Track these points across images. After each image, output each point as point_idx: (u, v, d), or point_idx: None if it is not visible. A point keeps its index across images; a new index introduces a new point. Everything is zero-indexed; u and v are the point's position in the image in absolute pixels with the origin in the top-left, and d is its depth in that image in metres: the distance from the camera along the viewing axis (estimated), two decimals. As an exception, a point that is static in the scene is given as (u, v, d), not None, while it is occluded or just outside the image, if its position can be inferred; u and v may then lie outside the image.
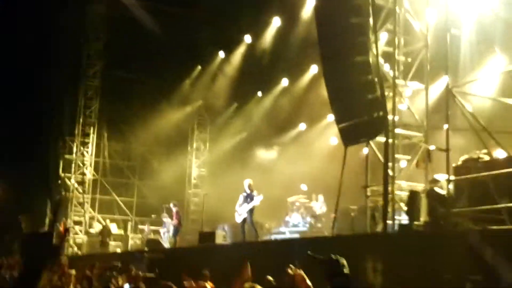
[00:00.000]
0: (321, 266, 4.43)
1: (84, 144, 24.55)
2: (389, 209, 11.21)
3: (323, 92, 16.20)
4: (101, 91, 24.90)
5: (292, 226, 16.48)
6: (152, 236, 20.86)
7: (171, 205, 19.30)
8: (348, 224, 13.14)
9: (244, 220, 14.83)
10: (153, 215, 22.43)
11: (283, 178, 18.46)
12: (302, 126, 21.94)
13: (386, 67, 13.07)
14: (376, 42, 12.68)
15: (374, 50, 12.56)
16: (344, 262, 4.37)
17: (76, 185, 24.04)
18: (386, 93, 12.39)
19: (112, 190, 24.98)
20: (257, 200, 14.70)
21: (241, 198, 15.08)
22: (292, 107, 21.87)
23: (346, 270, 4.36)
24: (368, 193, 12.59)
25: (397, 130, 12.57)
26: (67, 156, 24.30)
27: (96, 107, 24.77)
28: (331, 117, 18.70)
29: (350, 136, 13.07)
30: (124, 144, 25.72)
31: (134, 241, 22.30)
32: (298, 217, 16.63)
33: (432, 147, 12.08)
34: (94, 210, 24.40)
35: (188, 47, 24.28)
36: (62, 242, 2.08)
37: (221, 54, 24.45)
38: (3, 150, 25.28)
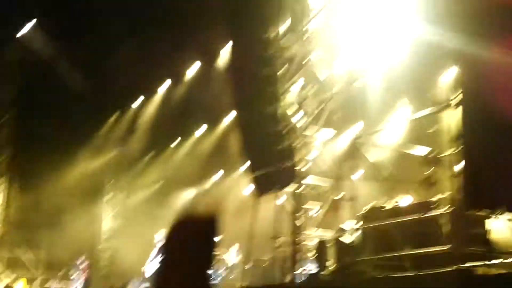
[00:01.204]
0: None
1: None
2: (297, 259, 11.13)
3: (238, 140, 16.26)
4: (13, 140, 23.90)
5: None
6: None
7: (80, 260, 18.50)
8: (259, 275, 12.93)
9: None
10: (61, 272, 21.38)
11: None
12: (218, 175, 21.80)
13: (299, 115, 13.19)
14: (285, 92, 12.85)
15: (283, 100, 12.70)
16: None
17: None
18: (298, 141, 12.50)
19: (20, 244, 23.70)
20: None
21: (153, 251, 14.68)
22: (209, 155, 21.74)
23: None
24: (278, 244, 12.48)
25: (307, 180, 12.61)
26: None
27: (6, 157, 23.70)
28: (244, 166, 18.72)
29: (262, 185, 13.07)
30: (35, 196, 24.60)
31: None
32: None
33: (339, 196, 12.17)
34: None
35: (105, 94, 23.81)
36: None
37: (138, 100, 24.12)
38: None
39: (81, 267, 18.42)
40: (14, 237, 23.66)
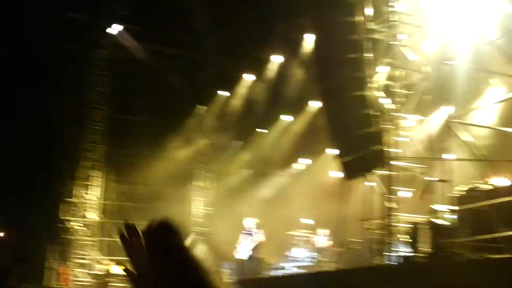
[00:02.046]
0: None
1: (88, 187, 24.58)
2: (390, 242, 11.12)
3: (324, 127, 16.36)
4: (106, 135, 25.05)
5: (294, 260, 16.28)
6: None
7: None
8: (351, 258, 13.00)
9: (248, 257, 14.71)
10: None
11: (285, 213, 18.38)
12: (304, 161, 21.97)
13: (386, 100, 13.14)
14: (373, 76, 12.83)
15: (372, 84, 12.69)
16: None
17: (79, 228, 23.96)
18: (386, 126, 12.47)
19: (116, 232, 24.85)
20: (259, 237, 14.63)
21: (242, 236, 15.03)
22: (295, 143, 21.96)
23: None
24: (369, 226, 12.51)
25: (398, 163, 12.55)
26: (71, 200, 24.31)
27: (100, 150, 24.87)
28: (331, 152, 18.77)
29: (351, 170, 13.14)
30: (129, 186, 25.71)
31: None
32: (300, 251, 16.44)
33: (433, 179, 12.03)
34: (99, 252, 24.27)
35: (191, 88, 24.57)
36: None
37: (224, 93, 24.71)
38: (8, 195, 25.40)
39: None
40: (112, 225, 24.88)
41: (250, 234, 14.75)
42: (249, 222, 15.19)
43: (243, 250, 14.84)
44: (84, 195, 24.36)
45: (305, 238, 16.61)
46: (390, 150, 12.16)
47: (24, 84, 24.29)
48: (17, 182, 24.64)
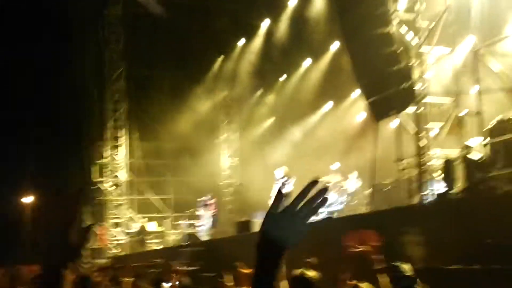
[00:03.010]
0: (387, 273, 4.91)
1: (116, 147, 24.71)
2: (424, 180, 10.98)
3: (346, 69, 16.03)
4: (127, 92, 24.98)
5: (327, 206, 16.26)
6: (190, 230, 20.92)
7: (207, 197, 19.31)
8: (383, 199, 12.91)
9: None
10: (189, 210, 22.46)
11: (314, 158, 18.27)
12: (329, 105, 21.69)
13: (409, 35, 12.77)
14: (396, 11, 12.43)
15: (394, 20, 12.30)
16: (406, 267, 4.76)
17: (110, 188, 24.24)
18: (414, 60, 12.14)
19: (147, 189, 25.13)
20: (291, 185, 14.59)
21: (275, 187, 14.98)
22: (317, 87, 21.62)
23: (409, 273, 4.73)
24: (402, 166, 12.36)
25: (427, 99, 12.27)
26: (100, 161, 24.50)
27: (124, 109, 24.87)
28: (356, 93, 18.47)
29: (380, 110, 12.92)
30: (155, 143, 25.81)
31: (174, 237, 22.40)
32: (332, 196, 16.41)
33: (463, 112, 11.75)
34: (131, 211, 24.61)
35: (207, 37, 24.21)
36: (84, 244, 2.01)
37: (242, 41, 24.32)
38: (38, 160, 25.74)
39: (208, 203, 19.21)
40: (141, 182, 25.11)
41: (282, 184, 14.70)
42: (279, 172, 15.13)
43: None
44: (114, 156, 24.52)
45: (335, 183, 16.55)
46: (419, 86, 11.86)
47: (42, 49, 24.29)
48: (50, 146, 24.94)
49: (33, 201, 28.04)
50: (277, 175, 15.18)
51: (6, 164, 26.45)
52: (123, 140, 24.82)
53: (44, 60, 24.79)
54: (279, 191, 1.94)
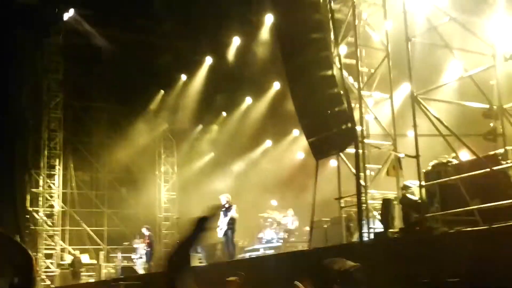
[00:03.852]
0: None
1: (51, 176, 24.14)
2: (363, 219, 11.32)
3: (287, 108, 16.42)
4: (64, 122, 24.59)
5: (266, 242, 16.44)
6: (125, 263, 20.57)
7: (144, 229, 19.11)
8: (322, 237, 13.17)
9: (225, 234, 14.76)
10: (125, 243, 22.12)
11: (253, 195, 18.49)
12: (268, 143, 22.06)
13: (349, 79, 13.31)
14: (339, 55, 12.92)
15: (337, 64, 12.77)
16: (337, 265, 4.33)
17: (45, 218, 23.59)
18: (354, 103, 12.61)
19: (82, 220, 24.61)
20: (233, 211, 14.68)
21: (221, 214, 15.03)
22: (257, 125, 21.98)
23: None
24: (342, 205, 12.71)
25: (366, 141, 12.73)
26: (34, 190, 23.85)
27: (60, 139, 24.41)
28: (296, 132, 18.91)
29: (320, 150, 13.21)
30: (91, 174, 25.43)
31: (108, 270, 21.93)
32: (271, 233, 16.61)
33: (401, 155, 12.25)
34: (64, 242, 23.97)
35: (149, 73, 24.26)
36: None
37: (183, 77, 24.50)
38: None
39: (144, 236, 19.00)
40: (75, 213, 24.55)
41: (226, 210, 14.75)
42: (222, 198, 15.22)
43: (221, 226, 14.86)
44: (50, 184, 23.93)
45: (274, 220, 16.78)
46: (358, 128, 12.31)
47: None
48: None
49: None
50: (221, 201, 15.25)
51: None
52: (58, 170, 24.29)
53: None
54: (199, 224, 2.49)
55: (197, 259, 16.65)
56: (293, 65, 13.76)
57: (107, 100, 24.88)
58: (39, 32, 23.44)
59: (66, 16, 23.46)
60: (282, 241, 16.23)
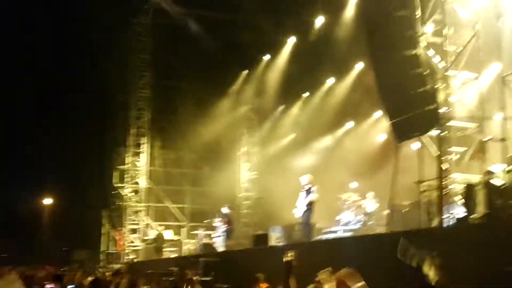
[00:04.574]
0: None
1: (137, 154, 24.97)
2: (444, 204, 10.95)
3: (370, 88, 16.08)
4: (151, 101, 25.30)
5: (344, 224, 16.28)
6: (206, 240, 21.00)
7: (224, 208, 19.40)
8: (401, 221, 12.88)
9: (303, 215, 14.74)
10: (206, 220, 22.58)
11: (333, 177, 18.29)
12: (349, 125, 21.74)
13: (435, 58, 12.81)
14: (425, 34, 12.49)
15: (422, 43, 12.35)
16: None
17: (130, 194, 24.46)
18: (439, 83, 12.17)
19: (166, 197, 25.33)
20: (314, 193, 14.61)
21: (301, 194, 15.02)
22: (339, 106, 21.70)
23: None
24: (422, 189, 12.33)
25: (451, 123, 12.27)
26: (121, 167, 24.76)
27: (147, 117, 25.16)
28: (378, 114, 18.51)
29: (402, 132, 12.88)
30: (175, 152, 26.05)
31: (188, 246, 22.49)
32: (349, 215, 16.41)
33: (487, 138, 11.72)
34: (149, 218, 24.78)
35: (233, 52, 24.50)
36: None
37: (266, 57, 24.52)
38: (60, 164, 26.09)
39: (224, 215, 19.29)
40: (159, 190, 25.31)
41: (307, 191, 14.69)
42: (304, 179, 15.16)
43: (300, 207, 14.84)
44: (135, 162, 24.79)
45: (353, 202, 16.56)
46: (443, 109, 11.86)
47: (74, 56, 24.74)
48: (73, 150, 25.31)
49: (52, 203, 28.35)
50: (302, 182, 15.19)
51: (28, 165, 26.88)
52: (145, 148, 25.08)
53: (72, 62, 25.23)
54: None
55: (275, 239, 16.75)
56: (376, 44, 13.43)
57: (192, 79, 25.37)
58: (127, 12, 24.13)
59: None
60: (361, 223, 16.00)
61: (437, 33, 13.20)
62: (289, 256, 7.22)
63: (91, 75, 25.25)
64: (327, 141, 22.23)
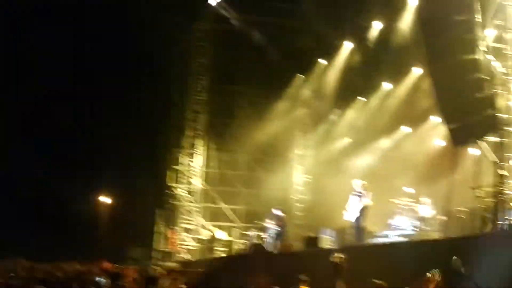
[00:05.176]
0: None
1: (192, 155, 25.43)
2: (501, 210, 10.77)
3: (426, 94, 15.93)
4: (208, 104, 25.75)
5: (397, 229, 16.12)
6: (256, 241, 21.12)
7: (276, 210, 19.51)
8: (457, 227, 12.70)
9: (356, 219, 14.73)
10: (258, 222, 22.72)
11: (387, 182, 18.15)
12: (405, 129, 21.54)
13: (496, 64, 12.61)
14: (485, 38, 12.33)
15: (482, 47, 12.19)
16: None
17: (184, 194, 24.92)
18: (496, 91, 11.98)
19: (219, 198, 25.65)
20: (368, 199, 14.60)
21: (351, 198, 15.01)
22: (395, 111, 21.53)
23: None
24: (479, 194, 12.15)
25: (509, 129, 12.05)
26: (175, 167, 25.27)
27: (203, 120, 25.62)
28: (434, 119, 18.30)
29: (459, 137, 12.73)
30: (231, 154, 26.38)
31: (238, 246, 22.69)
32: (403, 220, 16.24)
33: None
34: (202, 218, 25.14)
35: (290, 57, 24.69)
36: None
37: (322, 61, 24.56)
38: (115, 163, 26.82)
39: (276, 216, 19.39)
40: (213, 191, 25.67)
41: (359, 196, 14.70)
42: (357, 183, 15.14)
43: (351, 211, 14.84)
44: (189, 163, 25.25)
45: (407, 207, 16.39)
46: (502, 115, 11.67)
47: (133, 59, 25.47)
48: (128, 150, 26.00)
49: (109, 202, 29.12)
50: (355, 186, 15.17)
51: (88, 165, 27.75)
52: (200, 149, 25.52)
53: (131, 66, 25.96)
54: None
55: (328, 242, 16.74)
56: (434, 48, 13.30)
57: (249, 83, 25.68)
58: (187, 17, 24.64)
59: (213, 1, 24.46)
60: (416, 229, 15.78)
61: (498, 37, 13.01)
62: (336, 257, 7.22)
63: (151, 77, 25.90)
64: (382, 145, 22.06)
